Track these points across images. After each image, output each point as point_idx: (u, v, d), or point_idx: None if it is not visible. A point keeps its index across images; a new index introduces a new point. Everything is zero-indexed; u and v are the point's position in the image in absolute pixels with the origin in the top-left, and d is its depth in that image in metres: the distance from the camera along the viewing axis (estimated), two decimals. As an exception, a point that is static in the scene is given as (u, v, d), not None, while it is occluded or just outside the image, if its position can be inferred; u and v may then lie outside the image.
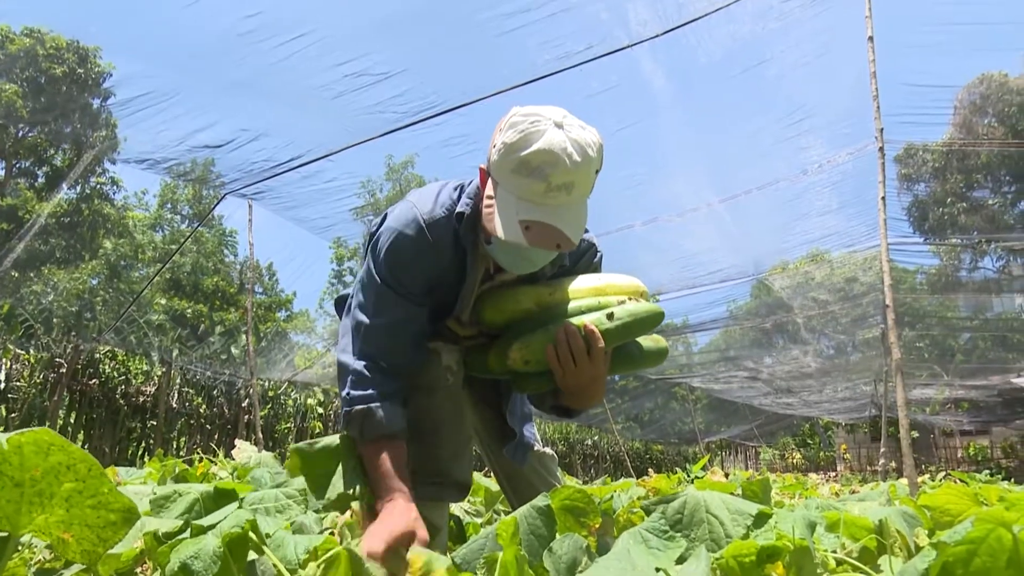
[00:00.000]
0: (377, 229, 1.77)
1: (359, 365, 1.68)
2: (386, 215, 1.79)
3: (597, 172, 1.61)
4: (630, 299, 1.78)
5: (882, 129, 5.16)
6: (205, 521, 1.23)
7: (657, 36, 5.49)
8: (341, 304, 2.02)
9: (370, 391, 1.64)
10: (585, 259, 1.93)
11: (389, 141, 6.71)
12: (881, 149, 5.15)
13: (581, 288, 1.79)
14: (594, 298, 1.77)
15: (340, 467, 1.54)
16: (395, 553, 1.34)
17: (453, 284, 1.79)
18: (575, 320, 1.69)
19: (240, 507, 1.62)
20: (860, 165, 7.75)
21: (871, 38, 5.14)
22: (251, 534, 1.16)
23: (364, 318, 1.72)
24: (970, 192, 15.32)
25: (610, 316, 1.70)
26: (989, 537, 0.95)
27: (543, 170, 1.49)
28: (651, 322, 1.75)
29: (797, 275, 12.37)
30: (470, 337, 1.92)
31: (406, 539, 1.42)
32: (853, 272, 12.79)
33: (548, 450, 2.19)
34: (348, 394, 1.66)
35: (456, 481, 1.85)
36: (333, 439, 1.60)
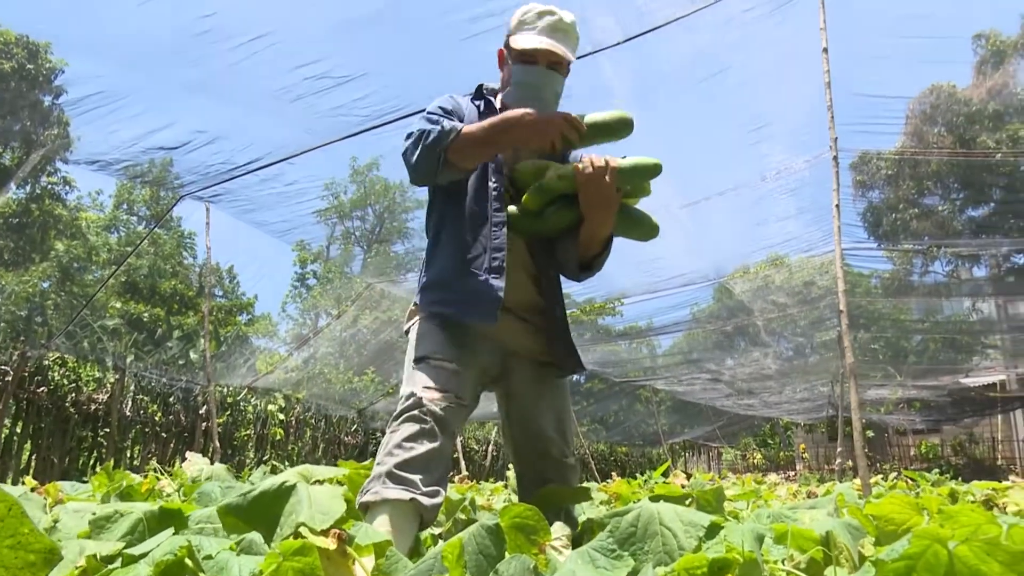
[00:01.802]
0: None
1: (425, 123, 2.19)
2: None
3: (577, 42, 2.32)
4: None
5: (836, 139, 5.27)
6: (139, 548, 1.19)
7: (619, 44, 5.53)
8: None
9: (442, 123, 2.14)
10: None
11: (353, 143, 6.65)
12: (835, 158, 5.26)
13: None
14: None
15: (290, 503, 1.48)
16: None
17: None
18: None
19: (183, 528, 1.57)
20: (817, 172, 7.90)
21: (826, 50, 5.25)
22: (187, 560, 1.13)
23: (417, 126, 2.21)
24: (921, 199, 15.71)
25: (623, 158, 2.21)
26: (927, 553, 0.96)
27: (546, 17, 2.23)
28: (652, 170, 2.24)
29: (757, 279, 12.56)
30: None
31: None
32: (811, 276, 13.05)
33: (570, 460, 2.37)
34: (425, 131, 2.13)
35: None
36: (268, 482, 1.53)
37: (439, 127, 2.09)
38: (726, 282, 12.27)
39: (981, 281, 15.65)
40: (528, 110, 2.06)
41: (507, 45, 2.32)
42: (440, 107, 2.30)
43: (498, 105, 2.39)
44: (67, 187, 20.37)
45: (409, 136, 2.17)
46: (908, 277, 15.03)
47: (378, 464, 1.92)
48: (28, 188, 19.10)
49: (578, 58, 5.51)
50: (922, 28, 7.89)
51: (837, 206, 5.28)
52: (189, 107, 6.62)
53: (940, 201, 15.96)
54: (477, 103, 2.40)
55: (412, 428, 1.94)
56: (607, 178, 2.12)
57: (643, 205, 2.42)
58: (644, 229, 2.36)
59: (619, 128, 2.25)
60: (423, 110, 2.33)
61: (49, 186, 19.58)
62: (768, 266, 12.81)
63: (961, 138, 15.17)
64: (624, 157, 2.21)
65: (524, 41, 2.20)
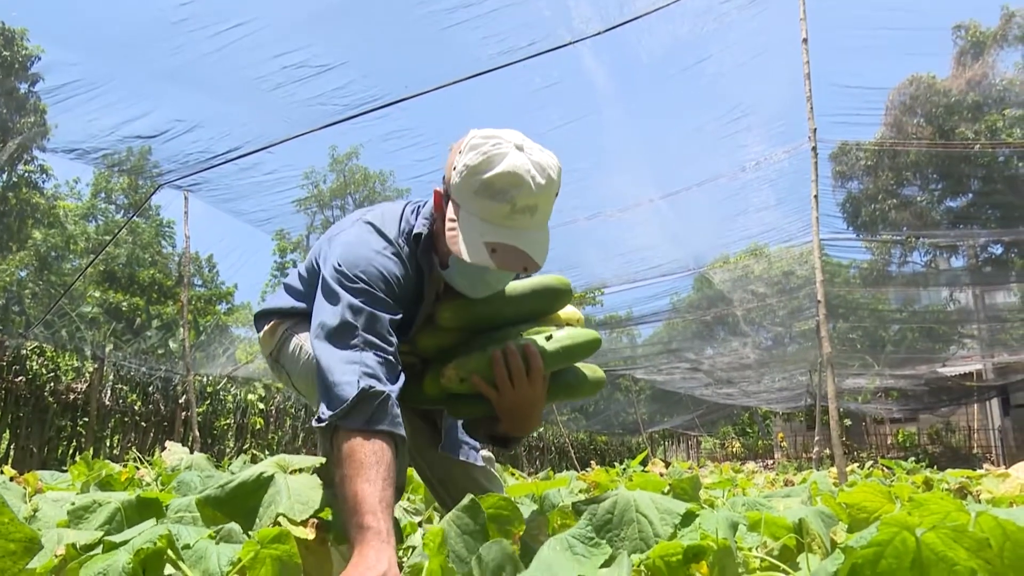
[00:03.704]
0: (339, 255, 1.64)
1: (372, 354, 1.48)
2: (345, 238, 1.72)
3: (555, 195, 1.62)
4: (569, 325, 1.81)
5: (815, 129, 5.30)
6: (120, 536, 1.19)
7: (599, 34, 5.53)
8: (262, 318, 1.95)
9: (389, 383, 1.46)
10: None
11: (332, 132, 6.63)
12: (814, 149, 5.30)
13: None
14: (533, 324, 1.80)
15: (268, 494, 1.46)
16: None
17: (408, 305, 1.73)
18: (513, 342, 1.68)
19: (163, 516, 1.57)
20: (796, 163, 7.97)
21: (805, 40, 5.27)
22: (168, 550, 1.13)
23: (365, 307, 1.53)
24: (900, 189, 15.88)
25: (549, 338, 1.71)
26: (895, 540, 0.99)
27: (508, 192, 1.50)
28: (590, 348, 1.77)
29: (737, 269, 12.66)
30: (405, 353, 1.87)
31: None
32: (790, 266, 13.15)
33: (484, 452, 2.17)
34: (355, 379, 1.43)
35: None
36: (246, 473, 1.52)
37: (377, 387, 1.43)
38: (706, 272, 12.36)
39: (958, 271, 15.88)
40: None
41: (448, 199, 1.63)
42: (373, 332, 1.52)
43: (431, 279, 1.78)
44: (44, 175, 20.07)
45: (334, 353, 1.49)
46: (886, 267, 15.22)
47: None
48: (4, 176, 18.79)
49: (558, 47, 5.39)
50: (902, 19, 7.99)
51: (816, 197, 5.32)
52: (167, 96, 6.58)
53: (919, 191, 16.15)
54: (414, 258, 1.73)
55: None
56: (530, 381, 1.65)
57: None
58: (582, 394, 1.88)
59: (584, 354, 1.79)
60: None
61: (26, 174, 19.29)
62: (747, 256, 12.91)
63: (940, 129, 15.34)
64: (549, 337, 1.72)
65: (469, 247, 1.53)
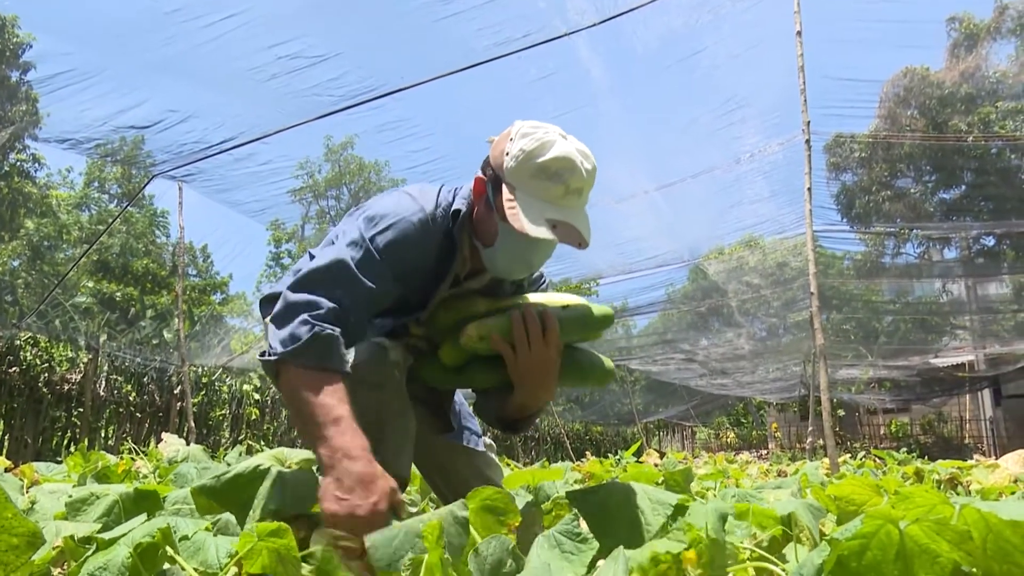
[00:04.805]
0: (368, 210, 1.74)
1: (330, 304, 1.54)
2: (379, 198, 1.82)
3: (589, 193, 1.75)
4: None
5: (809, 122, 5.32)
6: (116, 531, 1.21)
7: (594, 25, 5.53)
8: (268, 303, 1.98)
9: (338, 329, 1.53)
10: (533, 287, 2.06)
11: (327, 123, 6.63)
12: (808, 142, 5.31)
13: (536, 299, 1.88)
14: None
15: (263, 486, 1.47)
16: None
17: (426, 283, 1.82)
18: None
19: (159, 509, 1.59)
20: (790, 155, 8.00)
21: (799, 33, 5.29)
22: (166, 546, 1.14)
23: (352, 266, 1.61)
24: (893, 181, 15.92)
25: (565, 307, 1.80)
26: (879, 532, 1.01)
27: (562, 175, 1.63)
28: (602, 321, 1.85)
29: (731, 260, 12.69)
30: (417, 337, 1.93)
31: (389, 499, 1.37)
32: (784, 257, 13.19)
33: (486, 439, 2.21)
34: (309, 321, 1.49)
35: (397, 475, 1.73)
36: (242, 464, 1.53)
37: (326, 330, 1.50)
38: (701, 263, 12.40)
39: (951, 263, 15.96)
40: (364, 501, 1.35)
41: (498, 182, 1.71)
42: (360, 268, 1.62)
43: (460, 258, 1.84)
44: (36, 164, 19.97)
45: (301, 296, 1.55)
46: (880, 259, 15.28)
47: None
48: (-5, 165, 18.71)
49: (554, 39, 5.40)
50: (896, 11, 8.00)
51: (809, 189, 5.35)
52: (161, 86, 6.56)
53: (912, 183, 16.20)
54: (445, 234, 1.78)
55: None
56: (546, 343, 1.72)
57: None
58: (593, 379, 1.91)
59: (598, 326, 1.87)
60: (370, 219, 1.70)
61: (18, 163, 19.18)
62: (742, 247, 12.95)
63: (934, 121, 15.36)
64: (566, 307, 1.80)
65: (529, 223, 1.61)
